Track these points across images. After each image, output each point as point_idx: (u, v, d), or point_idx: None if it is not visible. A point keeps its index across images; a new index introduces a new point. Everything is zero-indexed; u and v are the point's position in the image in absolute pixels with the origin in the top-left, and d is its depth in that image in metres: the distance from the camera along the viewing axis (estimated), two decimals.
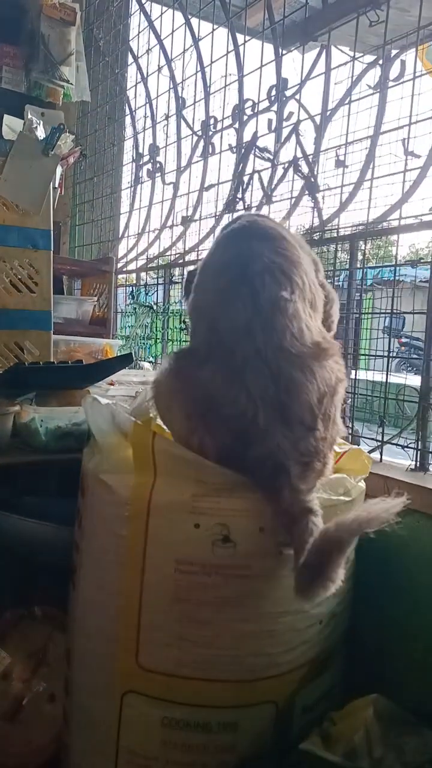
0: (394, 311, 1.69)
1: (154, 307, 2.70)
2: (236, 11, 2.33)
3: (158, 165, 2.82)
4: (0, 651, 1.50)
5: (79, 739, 1.26)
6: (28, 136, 2.03)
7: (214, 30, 2.36)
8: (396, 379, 1.69)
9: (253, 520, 1.08)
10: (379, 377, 1.70)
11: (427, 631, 1.38)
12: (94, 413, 1.20)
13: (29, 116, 2.48)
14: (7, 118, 2.43)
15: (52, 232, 2.09)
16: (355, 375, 1.73)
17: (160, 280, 2.74)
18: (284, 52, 2.01)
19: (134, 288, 2.92)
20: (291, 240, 1.19)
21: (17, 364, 1.59)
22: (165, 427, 1.24)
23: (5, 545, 1.54)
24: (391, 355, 1.60)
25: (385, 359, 1.64)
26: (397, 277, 1.67)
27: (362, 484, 1.29)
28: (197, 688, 1.13)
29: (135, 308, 2.75)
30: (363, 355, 1.73)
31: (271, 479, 1.07)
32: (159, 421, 1.24)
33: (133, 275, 3.03)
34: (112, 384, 1.86)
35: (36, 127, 2.27)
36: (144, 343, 2.78)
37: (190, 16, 2.51)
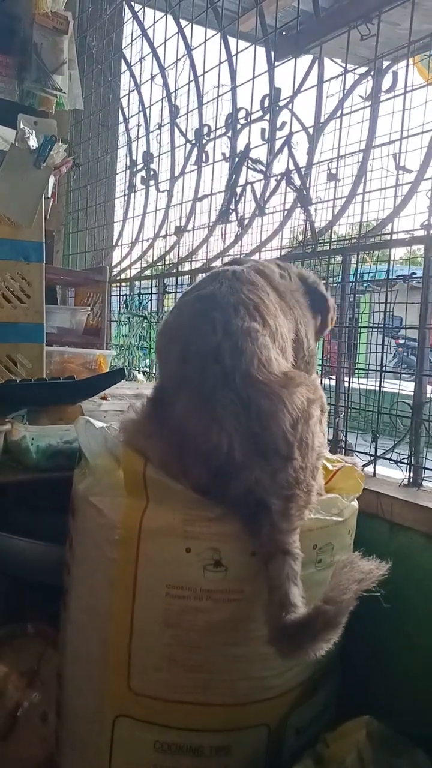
0: (388, 322, 1.68)
1: (148, 317, 2.70)
2: (229, 15, 2.33)
3: (152, 172, 2.82)
4: None
5: (71, 762, 1.26)
6: (20, 149, 2.02)
7: (207, 40, 2.36)
8: (391, 385, 1.68)
9: (244, 545, 1.08)
10: (374, 382, 1.69)
11: (420, 650, 1.38)
12: (86, 435, 1.20)
13: (21, 126, 2.47)
14: None
15: (44, 244, 2.08)
16: (349, 384, 1.73)
17: (154, 289, 2.73)
18: (277, 63, 2.00)
19: (128, 297, 2.91)
20: (272, 293, 1.22)
21: (8, 381, 1.58)
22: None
23: None
24: (384, 369, 1.59)
25: (379, 371, 1.63)
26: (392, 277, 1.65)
27: (355, 504, 1.28)
28: (189, 712, 1.12)
29: (129, 318, 2.74)
30: (358, 368, 1.72)
31: (253, 516, 1.06)
32: None
33: (127, 280, 3.03)
34: (104, 398, 1.85)
35: (28, 136, 2.27)
36: (138, 353, 2.77)
37: (184, 25, 2.51)
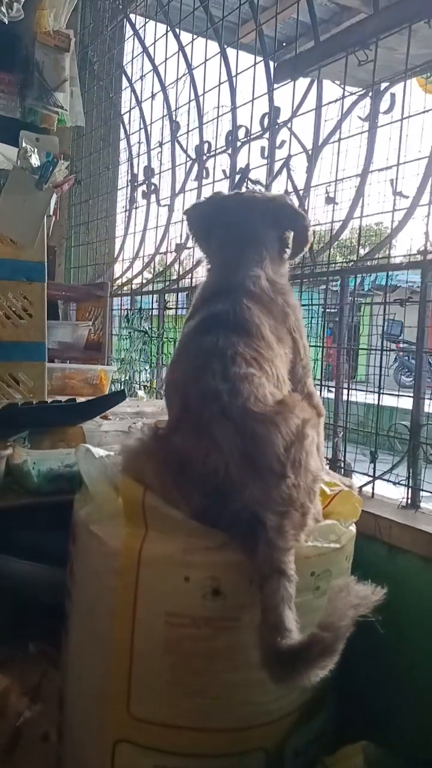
0: (388, 327, 1.70)
1: (149, 332, 2.72)
2: (230, 27, 2.35)
3: (153, 187, 2.84)
4: None
5: None
6: (22, 170, 2.04)
7: (207, 60, 2.39)
8: (390, 398, 1.68)
9: (242, 573, 1.09)
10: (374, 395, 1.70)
11: (419, 672, 1.39)
12: (86, 464, 1.21)
13: (24, 144, 2.49)
14: (0, 146, 2.44)
15: (46, 263, 2.10)
16: (347, 399, 1.75)
17: (155, 304, 2.76)
18: (276, 86, 2.03)
19: (129, 311, 2.93)
20: (266, 337, 1.25)
21: (10, 404, 1.60)
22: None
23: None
24: (383, 391, 1.61)
25: (377, 392, 1.65)
26: (391, 284, 1.67)
27: (353, 529, 1.29)
28: (189, 737, 1.13)
29: (130, 333, 2.76)
30: (357, 388, 1.73)
31: (248, 532, 1.08)
32: None
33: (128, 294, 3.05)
34: (105, 417, 1.86)
35: (30, 154, 2.29)
36: (139, 368, 2.79)
37: (185, 43, 2.53)
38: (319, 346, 1.95)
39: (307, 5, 1.94)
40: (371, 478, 1.63)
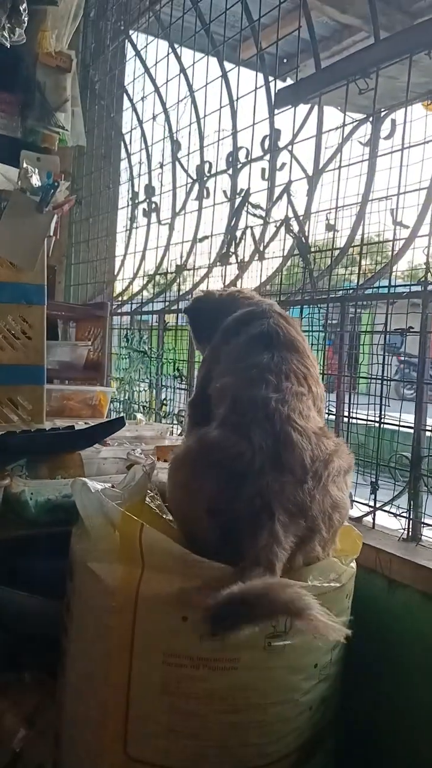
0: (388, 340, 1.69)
1: (148, 352, 2.71)
2: (232, 44, 2.35)
3: (154, 205, 2.85)
4: None
5: None
6: (23, 194, 2.04)
7: (208, 83, 2.40)
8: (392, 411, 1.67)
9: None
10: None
11: (419, 707, 1.37)
12: (82, 498, 1.20)
13: (24, 164, 2.50)
14: (1, 167, 2.45)
15: (45, 286, 2.10)
16: (348, 426, 1.74)
17: (155, 324, 2.75)
18: (277, 111, 2.03)
19: (129, 331, 2.92)
20: (310, 355, 1.37)
21: (8, 432, 1.59)
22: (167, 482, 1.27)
23: None
24: (383, 421, 1.60)
25: (378, 422, 1.64)
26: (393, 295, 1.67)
27: (353, 566, 1.28)
28: None
29: (129, 353, 2.75)
30: (357, 417, 1.72)
31: (256, 518, 1.09)
32: (151, 503, 1.23)
33: (128, 314, 3.04)
34: (104, 444, 1.85)
35: (31, 175, 2.29)
36: (138, 389, 2.78)
37: (186, 66, 2.54)
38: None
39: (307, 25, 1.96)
40: (372, 509, 1.62)
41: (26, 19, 2.26)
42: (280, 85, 2.23)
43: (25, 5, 2.22)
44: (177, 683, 1.09)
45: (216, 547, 1.11)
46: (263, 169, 2.18)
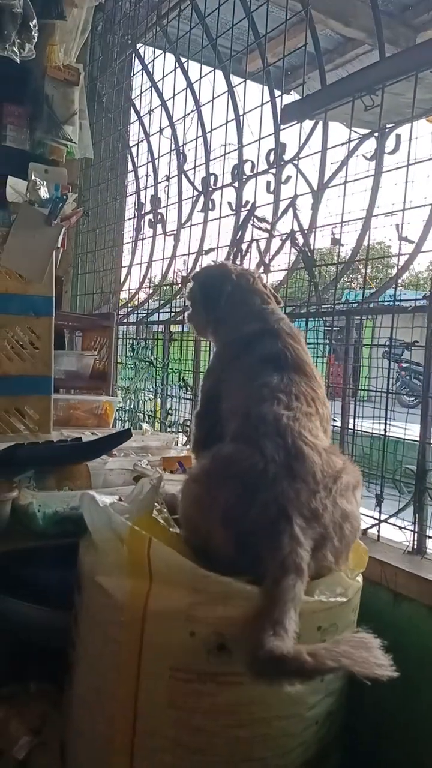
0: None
1: (154, 362, 2.72)
2: (238, 57, 2.38)
3: (159, 216, 2.87)
4: None
5: None
6: (31, 207, 2.07)
7: (215, 98, 2.42)
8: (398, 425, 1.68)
9: (248, 629, 1.08)
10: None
11: (425, 722, 1.37)
12: (90, 512, 1.21)
13: (33, 177, 2.53)
14: (10, 179, 2.47)
15: (54, 299, 2.12)
16: (353, 443, 1.75)
17: (161, 335, 2.77)
18: (283, 127, 2.05)
19: (134, 341, 2.94)
20: (318, 377, 1.40)
21: (17, 444, 1.60)
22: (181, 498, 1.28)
23: (1, 626, 1.54)
24: (388, 435, 1.60)
25: (383, 436, 1.65)
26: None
27: (359, 580, 1.28)
28: None
29: (135, 362, 2.77)
30: (362, 432, 1.73)
31: (274, 524, 1.10)
32: (158, 516, 1.24)
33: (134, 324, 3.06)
34: (111, 454, 1.86)
35: (39, 187, 2.32)
36: (143, 398, 2.80)
37: (193, 80, 2.57)
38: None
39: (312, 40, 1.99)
40: (377, 521, 1.62)
41: (36, 35, 2.29)
42: (286, 98, 2.26)
43: (35, 22, 2.25)
44: (184, 698, 1.10)
45: (230, 559, 1.12)
46: (268, 182, 2.20)
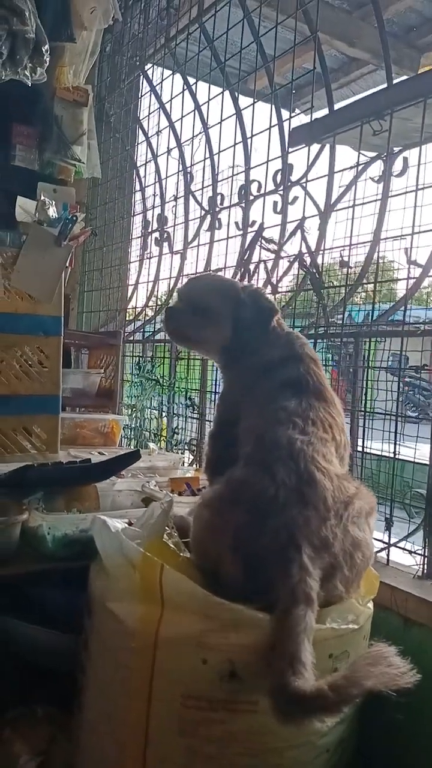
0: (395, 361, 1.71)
1: (160, 380, 2.73)
2: (244, 75, 2.42)
3: (166, 235, 2.89)
4: None
5: None
6: (42, 228, 2.08)
7: (222, 120, 2.45)
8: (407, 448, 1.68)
9: (260, 657, 1.07)
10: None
11: None
12: (102, 537, 1.21)
13: (42, 197, 2.55)
14: (20, 200, 2.50)
15: (62, 318, 2.13)
16: (362, 465, 1.75)
17: (167, 354, 2.78)
18: (290, 150, 2.08)
19: (141, 359, 2.95)
20: (337, 404, 1.40)
21: (26, 466, 1.61)
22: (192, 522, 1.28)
23: (8, 649, 1.54)
24: (398, 456, 1.61)
25: (392, 458, 1.65)
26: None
27: (370, 606, 1.28)
28: None
29: (142, 381, 2.77)
30: (371, 451, 1.73)
31: (283, 551, 1.09)
32: (169, 541, 1.24)
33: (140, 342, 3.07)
34: (119, 475, 1.86)
35: (48, 207, 2.34)
36: (149, 417, 2.80)
37: (201, 103, 2.60)
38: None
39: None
40: (386, 545, 1.62)
41: (48, 59, 2.32)
42: (294, 121, 2.28)
43: (47, 46, 2.29)
44: (195, 726, 1.09)
45: (239, 585, 1.12)
46: (275, 203, 2.22)
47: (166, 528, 1.27)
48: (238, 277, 2.28)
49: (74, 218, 2.11)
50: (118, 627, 1.14)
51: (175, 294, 1.61)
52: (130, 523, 1.33)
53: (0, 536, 1.41)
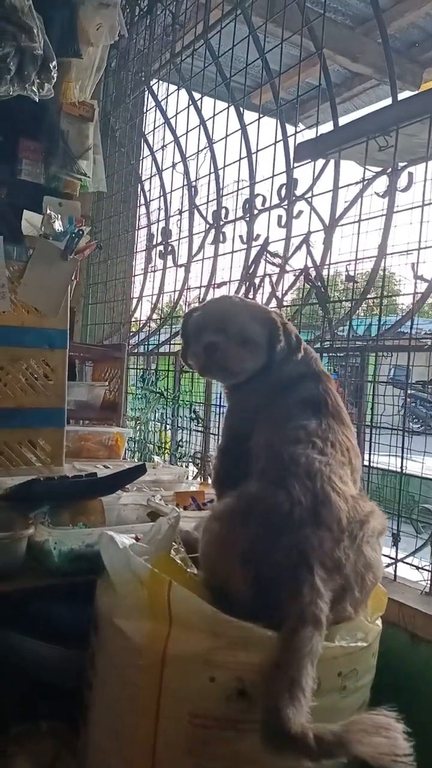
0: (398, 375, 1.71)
1: (165, 393, 2.73)
2: (249, 90, 2.44)
3: (170, 248, 2.91)
4: None
5: None
6: (48, 242, 2.09)
7: (228, 135, 2.47)
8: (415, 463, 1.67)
9: (263, 674, 1.07)
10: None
11: None
12: (109, 553, 1.21)
13: (48, 210, 2.56)
14: (26, 213, 2.51)
15: (68, 332, 2.13)
16: (368, 480, 1.74)
17: (172, 366, 2.78)
18: (296, 165, 2.09)
19: (145, 371, 2.95)
20: (352, 426, 1.40)
21: (32, 480, 1.60)
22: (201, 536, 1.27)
23: (13, 664, 1.53)
24: (405, 472, 1.60)
25: (399, 473, 1.64)
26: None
27: (379, 624, 1.27)
28: None
29: (146, 393, 2.78)
30: (378, 468, 1.73)
31: (295, 570, 1.09)
32: (176, 556, 1.23)
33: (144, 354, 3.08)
34: (124, 489, 1.86)
35: (54, 221, 2.35)
36: (153, 429, 2.80)
37: (206, 117, 2.62)
38: None
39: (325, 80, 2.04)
40: (393, 560, 1.61)
41: (55, 75, 2.34)
42: (298, 136, 2.30)
43: (54, 63, 2.31)
44: (203, 744, 1.08)
45: (248, 601, 1.11)
46: (280, 216, 2.23)
47: (174, 543, 1.26)
48: (243, 290, 2.29)
49: (80, 232, 2.12)
50: (126, 644, 1.13)
51: (207, 319, 1.47)
52: (137, 539, 1.33)
53: (6, 551, 1.41)
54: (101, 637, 1.22)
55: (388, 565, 1.62)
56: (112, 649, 1.18)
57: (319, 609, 1.05)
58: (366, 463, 1.75)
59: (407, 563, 1.58)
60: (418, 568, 1.54)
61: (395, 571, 1.61)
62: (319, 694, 1.09)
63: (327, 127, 2.02)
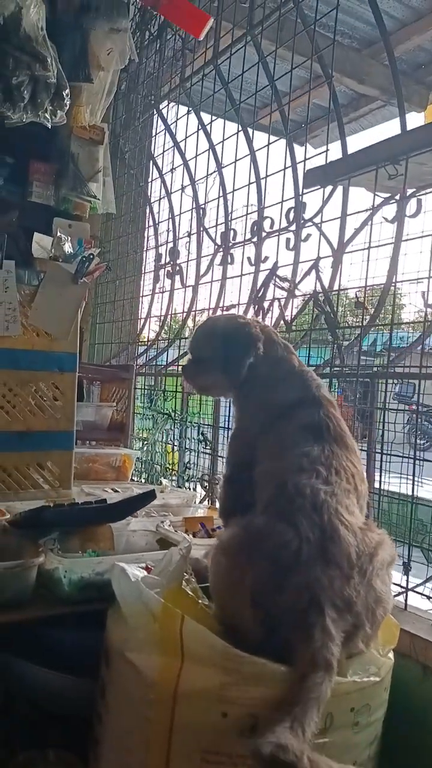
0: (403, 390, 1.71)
1: (172, 415, 2.73)
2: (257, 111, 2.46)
3: (178, 268, 2.92)
4: None
5: None
6: (59, 266, 2.11)
7: (237, 160, 2.49)
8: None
9: (281, 710, 1.06)
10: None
11: None
12: (120, 585, 1.21)
13: (58, 233, 2.59)
14: (36, 236, 2.54)
15: (78, 355, 2.14)
16: (379, 507, 1.74)
17: (179, 387, 2.79)
18: (305, 191, 2.11)
19: (153, 392, 2.96)
20: (357, 451, 1.39)
21: (42, 506, 1.61)
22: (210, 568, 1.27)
23: (21, 692, 1.52)
24: (415, 501, 1.60)
25: (411, 502, 1.64)
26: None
27: (391, 657, 1.26)
28: None
29: (154, 414, 2.78)
30: (389, 493, 1.72)
31: (305, 613, 1.08)
32: (187, 587, 1.23)
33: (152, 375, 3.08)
34: (133, 514, 1.85)
35: (64, 243, 2.38)
36: (161, 450, 2.80)
37: (216, 142, 2.65)
38: None
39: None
40: (404, 589, 1.60)
41: (68, 102, 2.37)
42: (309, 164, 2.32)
43: (68, 91, 2.34)
44: None
45: (259, 640, 1.11)
46: (288, 239, 2.24)
47: (185, 574, 1.26)
48: (252, 312, 2.29)
49: (91, 256, 2.14)
50: (137, 678, 1.12)
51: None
52: (148, 569, 1.32)
53: (17, 580, 1.41)
54: (112, 669, 1.22)
55: (399, 594, 1.61)
56: (124, 683, 1.17)
57: (330, 653, 1.05)
58: (377, 488, 1.76)
59: (418, 593, 1.57)
60: (429, 597, 1.53)
61: (406, 600, 1.60)
62: (332, 729, 1.10)
63: (335, 147, 2.04)
